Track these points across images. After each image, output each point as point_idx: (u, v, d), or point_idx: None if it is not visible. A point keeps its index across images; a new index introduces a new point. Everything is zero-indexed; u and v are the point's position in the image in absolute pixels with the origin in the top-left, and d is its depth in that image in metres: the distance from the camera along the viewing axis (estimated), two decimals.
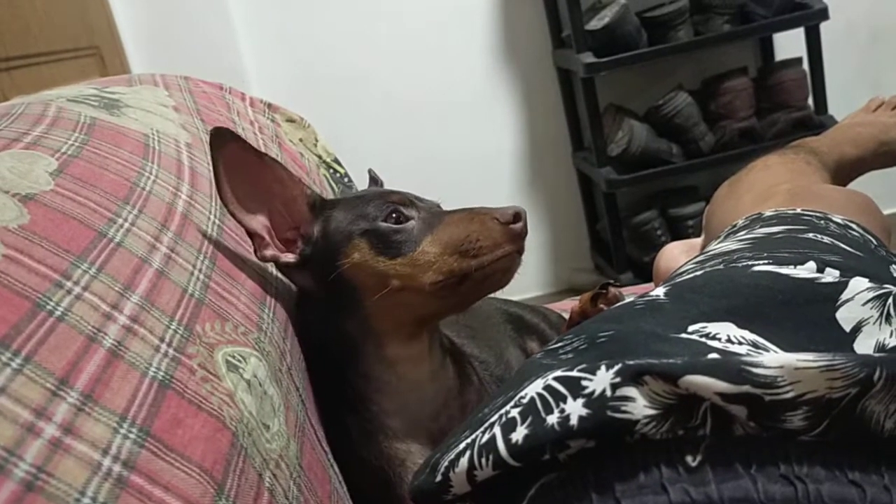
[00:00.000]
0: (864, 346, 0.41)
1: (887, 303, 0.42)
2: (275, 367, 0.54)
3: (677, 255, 0.95)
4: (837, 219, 0.68)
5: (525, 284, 2.45)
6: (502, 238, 0.60)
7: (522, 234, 0.61)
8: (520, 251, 0.61)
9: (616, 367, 0.36)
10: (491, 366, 0.74)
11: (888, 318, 0.42)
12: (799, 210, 0.70)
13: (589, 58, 2.03)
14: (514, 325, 0.89)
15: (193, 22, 2.13)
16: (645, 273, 2.09)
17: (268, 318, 0.58)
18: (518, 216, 0.60)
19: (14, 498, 0.31)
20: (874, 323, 0.42)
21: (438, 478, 0.41)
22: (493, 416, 0.40)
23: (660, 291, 0.50)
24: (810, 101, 2.20)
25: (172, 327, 0.48)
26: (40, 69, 1.58)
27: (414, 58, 2.33)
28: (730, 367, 0.35)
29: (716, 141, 2.16)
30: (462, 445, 0.40)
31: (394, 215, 0.61)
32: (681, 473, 0.34)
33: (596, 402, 0.36)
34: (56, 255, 0.45)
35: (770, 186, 0.85)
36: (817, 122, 2.12)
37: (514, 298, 1.03)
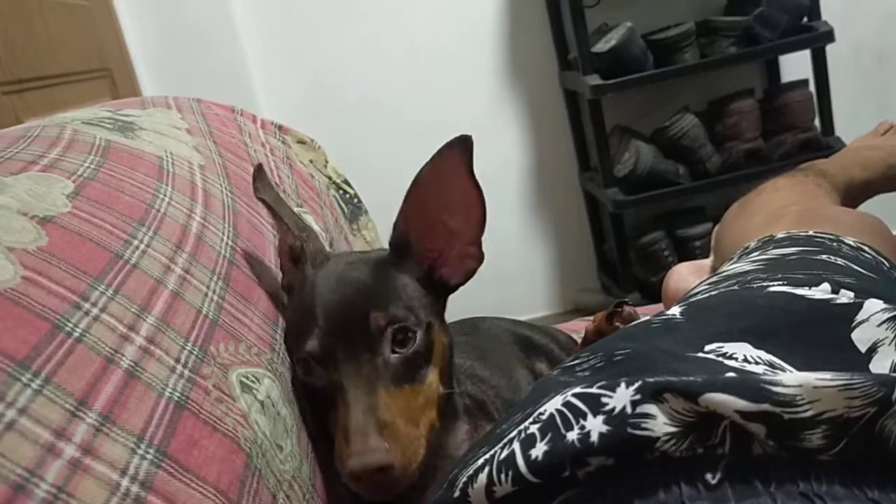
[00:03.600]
0: (879, 366, 0.41)
1: None
2: (287, 388, 0.54)
3: (686, 276, 0.95)
4: (850, 241, 0.68)
5: (532, 304, 2.45)
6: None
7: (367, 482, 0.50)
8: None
9: (636, 385, 0.36)
10: (501, 389, 0.74)
11: None
12: (811, 232, 0.70)
13: (595, 80, 2.04)
14: (521, 346, 0.89)
15: (203, 44, 2.15)
16: (651, 293, 2.09)
17: (280, 338, 0.58)
18: (359, 475, 0.49)
19: None
20: (889, 344, 0.42)
21: (457, 493, 0.41)
22: (511, 431, 0.40)
23: (675, 311, 0.51)
24: (817, 122, 2.21)
25: (188, 348, 0.48)
26: (52, 91, 1.59)
27: (422, 79, 2.34)
28: (749, 385, 0.35)
29: (722, 162, 2.17)
30: (481, 461, 0.40)
31: (305, 370, 0.55)
32: (700, 491, 0.34)
33: (616, 419, 0.36)
34: (74, 277, 0.45)
35: (780, 208, 0.86)
36: (824, 143, 2.13)
37: (521, 319, 1.03)
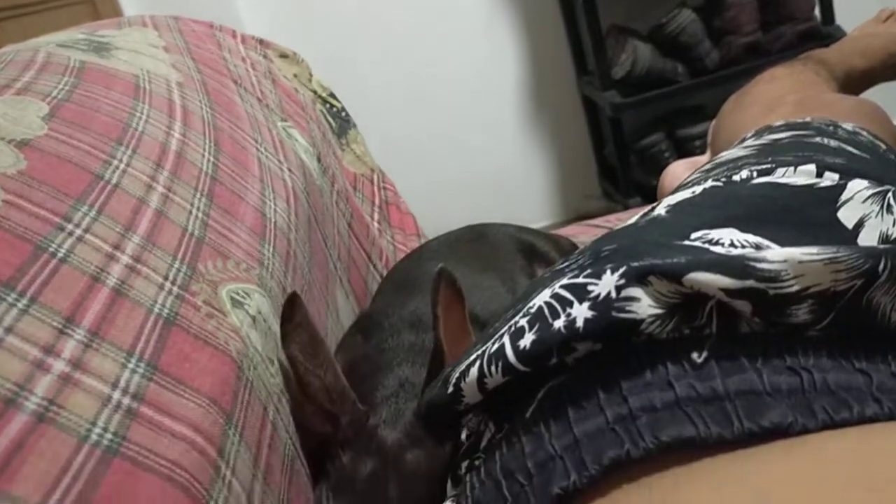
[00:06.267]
0: (868, 239, 0.40)
1: (886, 196, 0.42)
2: (278, 303, 0.55)
3: (682, 174, 0.95)
4: (847, 126, 0.67)
5: (534, 214, 2.45)
6: None
7: None
8: None
9: (621, 270, 0.36)
10: (505, 302, 0.75)
11: (889, 209, 0.42)
12: (808, 119, 0.69)
13: None
14: (524, 253, 0.89)
15: None
16: (653, 197, 2.07)
17: (268, 253, 0.58)
18: None
19: (27, 428, 0.32)
20: (876, 216, 0.41)
21: (450, 389, 0.42)
22: (502, 328, 0.41)
23: (661, 210, 0.50)
24: (816, 12, 2.14)
25: (175, 266, 0.48)
26: (32, 19, 1.56)
27: None
28: (734, 263, 0.35)
29: (721, 57, 2.12)
30: (472, 357, 0.41)
31: None
32: (687, 370, 0.34)
33: (601, 304, 0.36)
34: (55, 199, 0.45)
35: (777, 97, 0.84)
36: (824, 32, 2.07)
37: None
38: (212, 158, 0.62)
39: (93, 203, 0.47)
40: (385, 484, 0.50)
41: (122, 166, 0.52)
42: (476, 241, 0.87)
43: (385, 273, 0.91)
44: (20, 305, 0.37)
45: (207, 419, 0.40)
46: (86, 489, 0.32)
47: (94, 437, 0.34)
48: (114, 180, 0.50)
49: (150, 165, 0.54)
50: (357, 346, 0.65)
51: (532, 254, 0.89)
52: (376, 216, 1.03)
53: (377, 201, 1.05)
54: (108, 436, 0.35)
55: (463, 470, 0.42)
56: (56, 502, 0.31)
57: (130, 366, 0.39)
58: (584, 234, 1.08)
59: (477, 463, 0.40)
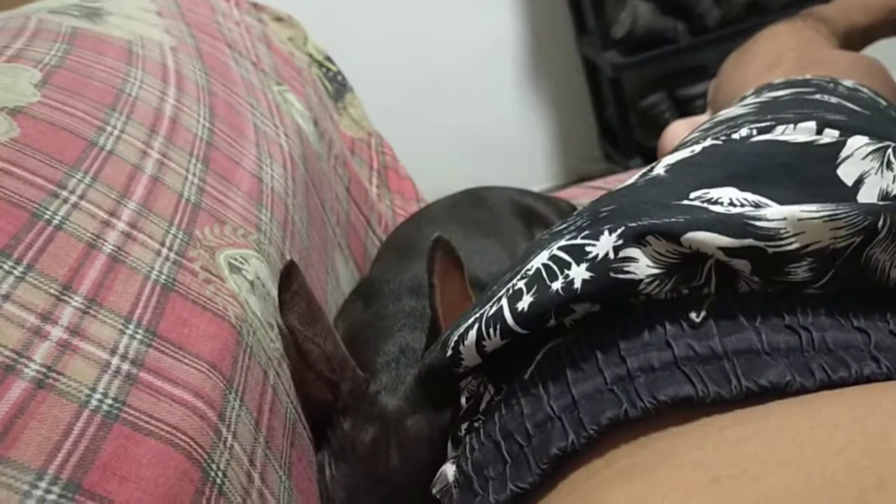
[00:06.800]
0: (867, 195, 0.40)
1: (887, 153, 0.42)
2: (276, 268, 0.55)
3: (681, 134, 0.94)
4: (847, 82, 0.67)
5: (534, 176, 2.44)
6: None
7: None
8: None
9: (619, 231, 0.36)
10: (505, 265, 0.74)
11: (889, 166, 0.41)
12: (809, 76, 0.68)
13: None
14: (524, 217, 0.89)
15: None
16: (654, 158, 2.05)
17: (266, 218, 0.58)
18: None
19: (26, 395, 0.32)
20: (876, 173, 0.41)
21: (449, 352, 0.42)
22: (500, 290, 0.40)
23: (660, 169, 0.50)
24: None
25: (172, 232, 0.48)
26: None
27: None
28: (733, 221, 0.35)
29: (722, 15, 2.09)
30: (471, 320, 0.41)
31: None
32: (685, 330, 0.34)
33: (599, 265, 0.36)
34: (50, 166, 0.45)
35: (778, 55, 0.83)
36: None
37: None
38: (207, 124, 0.61)
39: (87, 170, 0.47)
40: (386, 450, 0.50)
41: (116, 133, 0.52)
42: (475, 205, 0.86)
43: (384, 238, 0.90)
44: (17, 273, 0.37)
45: (207, 384, 0.40)
46: (87, 454, 0.32)
47: (94, 402, 0.34)
48: (108, 147, 0.50)
49: (144, 131, 0.54)
50: (358, 312, 0.65)
51: (532, 218, 0.89)
52: (375, 180, 1.02)
53: (375, 165, 1.04)
54: (108, 401, 0.35)
55: (462, 432, 0.42)
56: (57, 467, 0.31)
57: (129, 332, 0.39)
58: (584, 196, 1.07)
59: (476, 425, 0.40)
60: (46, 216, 0.41)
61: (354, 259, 0.81)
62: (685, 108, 2.20)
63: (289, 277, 0.52)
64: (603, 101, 2.42)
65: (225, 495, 0.38)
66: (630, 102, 2.22)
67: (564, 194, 1.13)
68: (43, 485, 0.30)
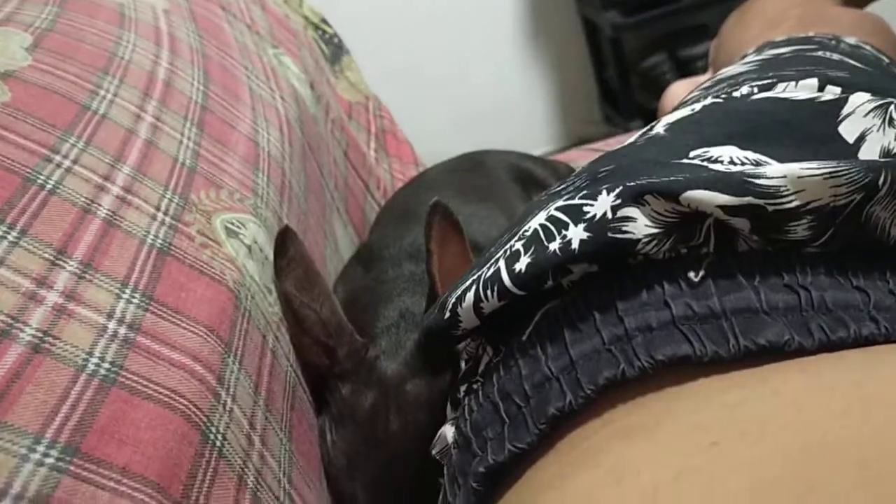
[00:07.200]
0: (869, 153, 0.40)
1: (888, 110, 0.41)
2: (273, 232, 0.54)
3: (682, 94, 0.93)
4: (850, 39, 0.66)
5: (534, 140, 2.42)
6: None
7: None
8: None
9: (617, 190, 0.36)
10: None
11: (891, 122, 0.41)
12: (811, 33, 0.67)
13: None
14: (522, 182, 0.88)
15: None
16: (655, 120, 2.04)
17: (262, 182, 0.58)
18: None
19: (22, 360, 0.32)
20: (878, 130, 0.40)
21: (447, 315, 0.42)
22: (498, 252, 0.40)
23: (659, 128, 0.49)
24: None
25: (167, 196, 0.48)
26: None
27: None
28: (732, 179, 0.35)
29: None
30: (468, 281, 0.41)
31: None
32: (683, 289, 0.34)
33: (597, 225, 0.35)
34: (42, 131, 0.45)
35: (780, 12, 0.82)
36: None
37: None
38: (201, 87, 0.60)
39: (80, 134, 0.46)
40: (386, 415, 0.50)
41: (109, 96, 0.51)
42: (474, 170, 0.86)
43: (383, 202, 0.90)
44: (10, 238, 0.37)
45: (206, 348, 0.40)
46: (84, 418, 0.32)
47: (91, 366, 0.34)
48: (101, 111, 0.50)
49: (137, 95, 0.53)
50: (357, 277, 0.65)
51: (530, 181, 0.89)
52: (373, 144, 1.02)
53: (373, 129, 1.04)
54: (106, 365, 0.35)
55: (461, 394, 0.42)
56: (55, 431, 0.31)
57: (125, 296, 0.39)
58: (583, 158, 1.06)
59: (475, 386, 0.40)
60: (40, 181, 0.41)
61: (353, 224, 0.81)
62: (686, 69, 2.18)
63: (284, 243, 0.52)
64: (603, 62, 2.40)
65: (225, 458, 0.38)
66: (631, 63, 2.20)
67: (564, 157, 1.12)
68: (41, 448, 0.30)
